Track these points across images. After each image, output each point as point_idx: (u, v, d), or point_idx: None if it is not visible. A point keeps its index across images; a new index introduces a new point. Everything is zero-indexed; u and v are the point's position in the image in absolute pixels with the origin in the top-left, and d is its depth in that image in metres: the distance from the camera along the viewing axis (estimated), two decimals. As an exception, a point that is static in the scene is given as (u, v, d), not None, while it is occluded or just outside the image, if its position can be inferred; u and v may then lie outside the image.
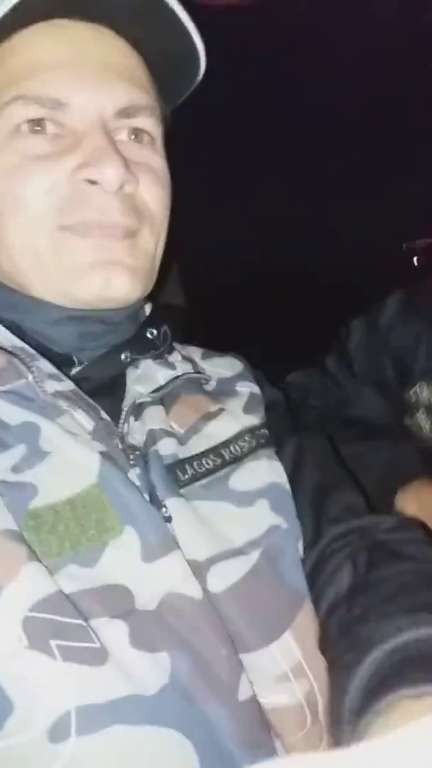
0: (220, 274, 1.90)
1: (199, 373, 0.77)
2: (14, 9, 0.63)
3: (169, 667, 0.54)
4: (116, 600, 0.55)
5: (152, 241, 0.70)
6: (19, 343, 0.65)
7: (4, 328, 0.66)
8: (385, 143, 1.94)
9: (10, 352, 0.64)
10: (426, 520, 1.08)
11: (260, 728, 0.57)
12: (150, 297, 0.76)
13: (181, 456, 0.67)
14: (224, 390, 0.78)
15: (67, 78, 0.65)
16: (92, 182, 0.65)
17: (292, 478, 0.72)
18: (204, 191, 1.86)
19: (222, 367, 0.81)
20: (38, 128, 0.65)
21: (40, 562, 0.54)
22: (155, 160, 0.71)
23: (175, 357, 0.78)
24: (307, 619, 0.63)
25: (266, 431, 0.74)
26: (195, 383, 0.76)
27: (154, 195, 0.70)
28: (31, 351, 0.65)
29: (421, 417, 1.15)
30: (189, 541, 0.60)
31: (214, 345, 0.85)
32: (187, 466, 0.66)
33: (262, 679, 0.59)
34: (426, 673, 0.47)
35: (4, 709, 0.49)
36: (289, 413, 0.82)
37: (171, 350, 0.77)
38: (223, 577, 0.60)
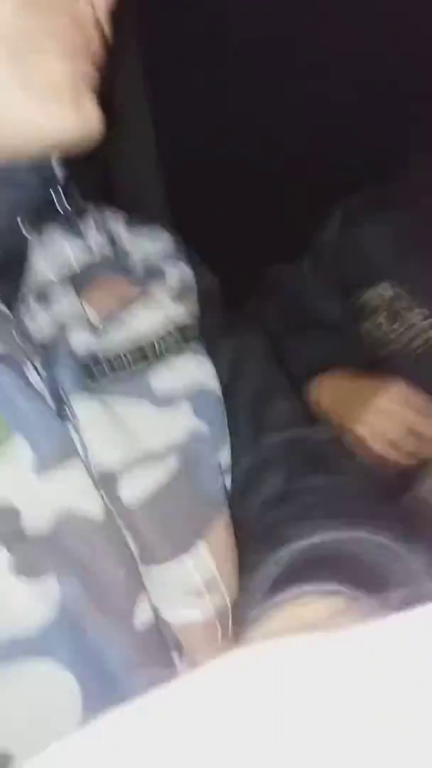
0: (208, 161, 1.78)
1: (121, 252, 0.66)
2: None
3: (59, 596, 0.48)
4: (1, 523, 0.48)
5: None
6: None
7: None
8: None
9: None
10: (334, 412, 1.13)
11: (159, 653, 0.53)
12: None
13: (96, 349, 0.58)
14: (150, 270, 0.66)
15: None
16: None
17: (230, 382, 0.64)
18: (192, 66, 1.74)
19: (147, 241, 0.69)
20: None
21: None
22: None
23: (87, 224, 0.65)
24: (223, 532, 0.58)
25: (195, 324, 0.64)
26: (116, 261, 0.65)
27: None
28: None
29: (380, 318, 1.16)
30: (99, 444, 0.53)
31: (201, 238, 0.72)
32: (102, 361, 0.58)
33: (172, 593, 0.54)
34: (336, 571, 0.44)
35: None
36: (224, 305, 0.72)
37: (82, 215, 0.65)
38: (137, 485, 0.54)
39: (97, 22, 0.54)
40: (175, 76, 1.64)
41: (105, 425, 0.54)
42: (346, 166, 1.47)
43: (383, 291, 1.17)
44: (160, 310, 0.62)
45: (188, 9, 1.65)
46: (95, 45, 0.54)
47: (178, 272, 0.67)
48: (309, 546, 0.48)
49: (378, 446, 1.05)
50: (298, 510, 0.56)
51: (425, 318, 1.13)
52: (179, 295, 0.65)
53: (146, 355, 0.59)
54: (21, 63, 0.50)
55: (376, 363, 1.16)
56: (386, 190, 1.23)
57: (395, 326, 1.15)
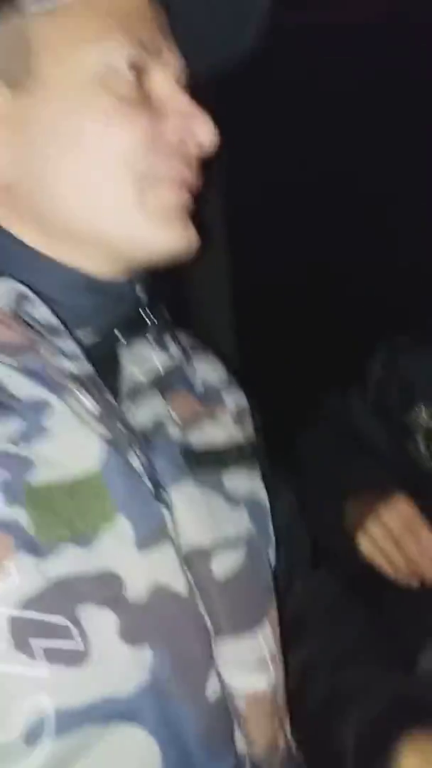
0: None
1: (190, 370, 0.76)
2: None
3: (151, 663, 0.55)
4: (108, 587, 0.55)
5: None
6: (51, 319, 0.62)
7: (37, 299, 0.62)
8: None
9: (31, 325, 0.62)
10: (354, 526, 1.17)
11: (225, 724, 0.60)
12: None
13: (186, 443, 0.68)
14: (212, 396, 0.76)
15: (158, 32, 0.64)
16: (186, 139, 0.65)
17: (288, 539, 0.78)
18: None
19: (208, 368, 0.79)
20: (135, 72, 0.62)
21: (31, 545, 0.53)
22: None
23: (167, 335, 0.74)
24: (275, 616, 0.68)
25: (250, 446, 0.75)
26: (186, 377, 0.75)
27: None
28: (59, 327, 0.62)
29: (418, 439, 1.24)
30: (194, 526, 0.62)
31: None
32: (192, 455, 0.67)
33: (245, 663, 0.62)
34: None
35: None
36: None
37: (164, 327, 0.74)
38: (225, 564, 0.63)
39: (198, 161, 0.67)
40: (252, 216, 1.80)
41: (199, 508, 0.64)
42: (396, 305, 1.59)
43: (420, 412, 1.25)
44: (225, 430, 0.73)
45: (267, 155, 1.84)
46: (196, 179, 0.67)
47: (235, 400, 0.79)
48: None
49: (372, 556, 1.11)
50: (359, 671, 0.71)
51: None
52: (238, 419, 0.77)
53: (219, 459, 0.70)
54: (143, 191, 0.63)
55: (418, 483, 1.22)
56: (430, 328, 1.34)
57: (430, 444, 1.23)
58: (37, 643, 0.51)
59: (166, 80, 0.64)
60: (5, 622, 0.51)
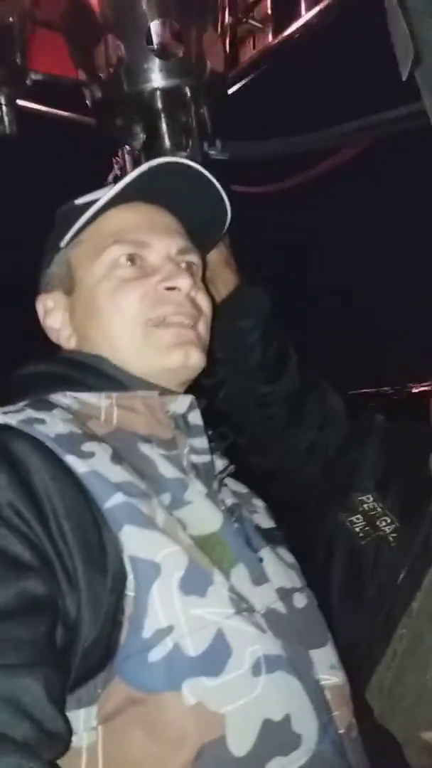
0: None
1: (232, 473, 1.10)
2: (112, 199, 1.01)
3: (282, 645, 0.84)
4: (245, 604, 0.84)
5: (206, 331, 1.05)
6: (199, 422, 0.98)
7: (195, 407, 0.98)
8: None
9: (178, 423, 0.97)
10: None
11: (324, 701, 0.88)
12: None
13: (253, 522, 1.00)
14: (245, 498, 1.09)
15: (147, 231, 1.03)
16: (171, 289, 0.99)
17: None
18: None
19: (234, 481, 1.12)
20: (130, 262, 1.01)
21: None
22: (200, 282, 1.07)
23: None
24: (332, 641, 0.97)
25: (279, 530, 1.08)
26: (228, 482, 1.08)
27: (205, 301, 1.05)
28: (197, 426, 0.98)
29: (356, 520, 1.47)
30: (278, 575, 0.93)
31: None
32: (259, 530, 1.00)
33: (324, 666, 0.91)
34: None
35: (227, 653, 0.79)
36: None
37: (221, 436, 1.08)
38: (299, 600, 0.94)
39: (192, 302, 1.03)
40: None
41: (277, 564, 0.95)
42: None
43: (367, 499, 1.49)
44: (266, 520, 1.07)
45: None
46: (193, 316, 1.02)
47: (262, 503, 1.12)
48: None
49: None
50: None
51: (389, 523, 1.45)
52: (268, 515, 1.09)
53: (272, 536, 1.02)
54: (148, 335, 1.00)
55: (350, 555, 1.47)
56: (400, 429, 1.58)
57: (367, 527, 1.46)
58: (243, 614, 0.82)
59: (156, 258, 1.02)
60: (228, 598, 0.82)
